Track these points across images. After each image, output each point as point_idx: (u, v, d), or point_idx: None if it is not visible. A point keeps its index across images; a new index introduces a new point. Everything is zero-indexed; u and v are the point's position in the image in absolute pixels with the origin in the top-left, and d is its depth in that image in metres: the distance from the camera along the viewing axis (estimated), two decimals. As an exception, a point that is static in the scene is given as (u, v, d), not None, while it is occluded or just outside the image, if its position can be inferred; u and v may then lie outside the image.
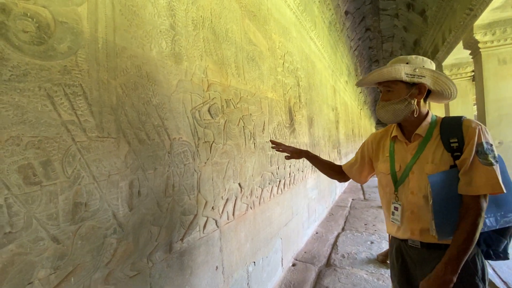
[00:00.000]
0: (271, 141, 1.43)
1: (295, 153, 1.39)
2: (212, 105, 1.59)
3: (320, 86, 4.64)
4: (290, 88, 3.04)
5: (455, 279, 0.86)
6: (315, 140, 4.00)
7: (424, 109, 1.02)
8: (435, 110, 7.42)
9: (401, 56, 1.00)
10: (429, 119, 1.01)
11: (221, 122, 1.67)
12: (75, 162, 0.86)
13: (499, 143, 4.27)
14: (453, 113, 6.43)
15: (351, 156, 8.60)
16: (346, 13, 6.38)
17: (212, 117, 1.58)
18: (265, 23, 2.48)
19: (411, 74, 0.94)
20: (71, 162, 0.85)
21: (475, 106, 5.15)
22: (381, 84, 1.02)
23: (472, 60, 4.92)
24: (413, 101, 0.98)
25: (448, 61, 6.27)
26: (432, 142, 0.97)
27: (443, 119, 1.00)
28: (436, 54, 6.48)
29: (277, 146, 1.40)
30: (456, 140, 0.91)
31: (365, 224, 3.83)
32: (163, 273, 1.18)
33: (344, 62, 7.77)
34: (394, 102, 0.98)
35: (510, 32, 4.24)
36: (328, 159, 4.80)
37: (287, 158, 1.41)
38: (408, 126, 1.04)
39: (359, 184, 7.14)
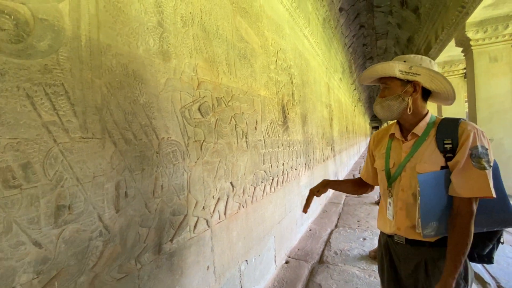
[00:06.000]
0: (304, 210, 1.26)
1: (321, 189, 1.23)
2: (203, 103, 1.57)
3: (314, 83, 4.63)
4: (284, 85, 3.03)
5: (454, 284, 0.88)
6: (309, 138, 4.01)
7: (422, 109, 1.02)
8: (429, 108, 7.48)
9: (401, 56, 1.02)
10: (427, 119, 1.01)
11: (212, 121, 1.65)
12: (57, 164, 0.84)
13: (489, 140, 4.35)
14: (445, 111, 6.50)
15: (345, 153, 8.70)
16: (341, 10, 6.37)
17: (202, 116, 1.56)
18: (257, 20, 2.46)
19: (405, 72, 0.96)
20: (53, 164, 0.83)
21: (467, 103, 5.21)
22: (380, 81, 1.06)
23: (464, 57, 4.96)
24: (407, 98, 0.99)
25: (441, 58, 6.34)
26: (427, 142, 0.97)
27: (442, 119, 1.00)
28: (429, 51, 6.52)
29: (308, 204, 1.24)
30: (450, 141, 0.92)
31: (358, 221, 3.87)
32: (152, 275, 1.17)
33: (338, 59, 7.77)
34: (389, 98, 1.01)
35: (502, 29, 4.29)
36: (322, 156, 4.87)
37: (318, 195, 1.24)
38: (406, 125, 1.05)
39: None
